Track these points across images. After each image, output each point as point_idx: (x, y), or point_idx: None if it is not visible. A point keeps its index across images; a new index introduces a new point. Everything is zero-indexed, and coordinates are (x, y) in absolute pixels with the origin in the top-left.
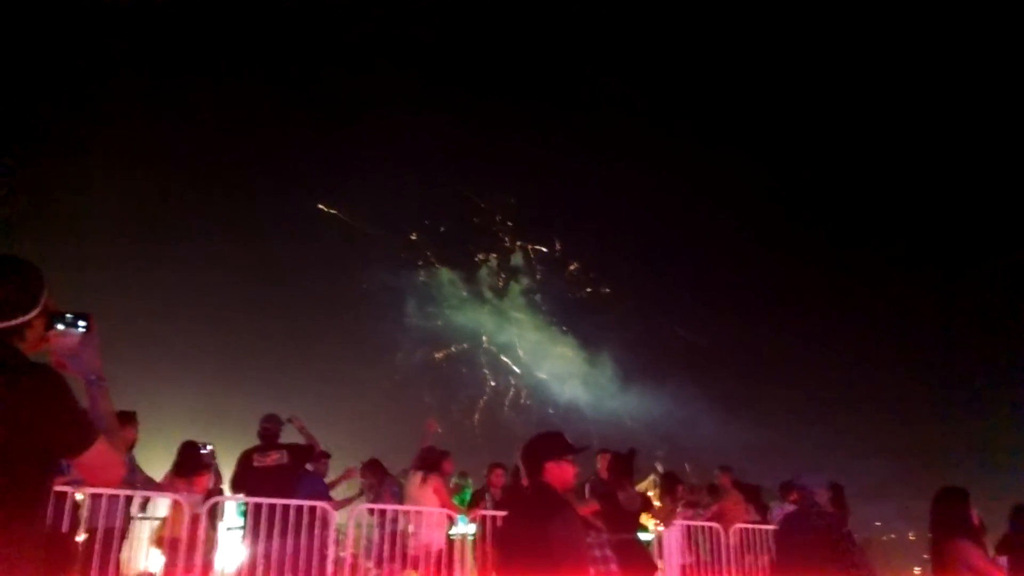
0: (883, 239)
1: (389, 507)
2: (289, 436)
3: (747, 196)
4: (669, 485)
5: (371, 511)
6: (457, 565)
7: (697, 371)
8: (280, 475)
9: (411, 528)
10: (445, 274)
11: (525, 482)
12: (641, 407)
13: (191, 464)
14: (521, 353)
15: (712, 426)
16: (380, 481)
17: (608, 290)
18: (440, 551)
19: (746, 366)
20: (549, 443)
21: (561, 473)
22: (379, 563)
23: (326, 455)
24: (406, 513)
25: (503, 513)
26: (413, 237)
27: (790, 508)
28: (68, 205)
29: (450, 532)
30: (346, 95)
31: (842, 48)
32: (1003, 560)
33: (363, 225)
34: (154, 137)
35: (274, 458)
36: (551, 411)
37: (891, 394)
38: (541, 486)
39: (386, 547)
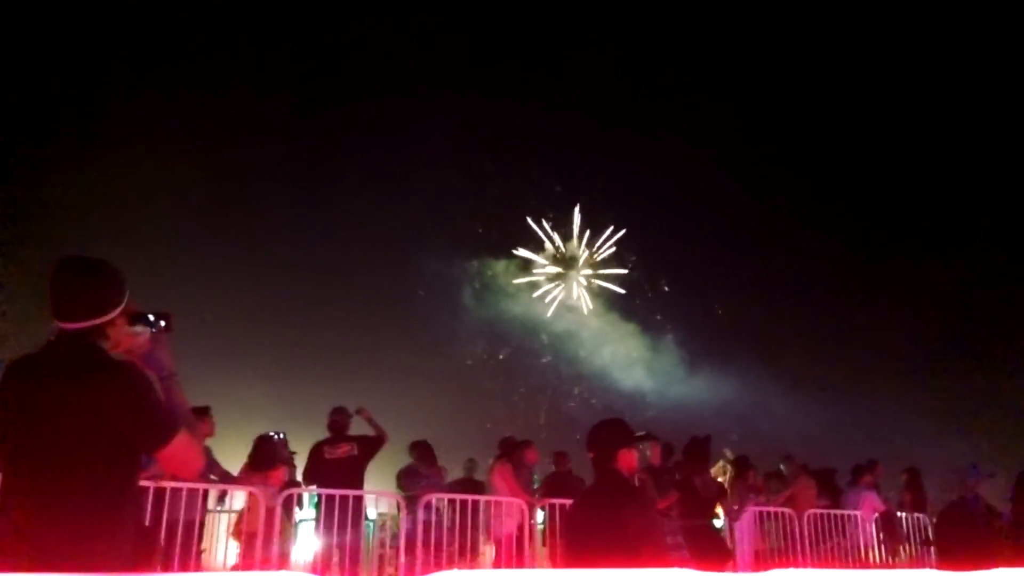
0: (951, 219)
1: (453, 496)
2: (358, 428)
3: (802, 182)
4: (740, 470)
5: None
6: (527, 553)
7: (763, 352)
8: (350, 466)
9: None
10: (502, 265)
11: (567, 467)
12: (709, 391)
13: (267, 458)
14: (583, 341)
15: (783, 407)
16: (429, 466)
17: (666, 276)
18: (511, 537)
19: (815, 345)
20: (619, 430)
21: (630, 460)
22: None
23: None
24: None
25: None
26: (473, 227)
27: (866, 493)
28: (134, 200)
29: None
30: (394, 82)
31: (872, 35)
32: None
33: (420, 215)
34: (213, 131)
35: (344, 450)
36: (615, 399)
37: (971, 374)
38: (612, 473)
39: (448, 535)
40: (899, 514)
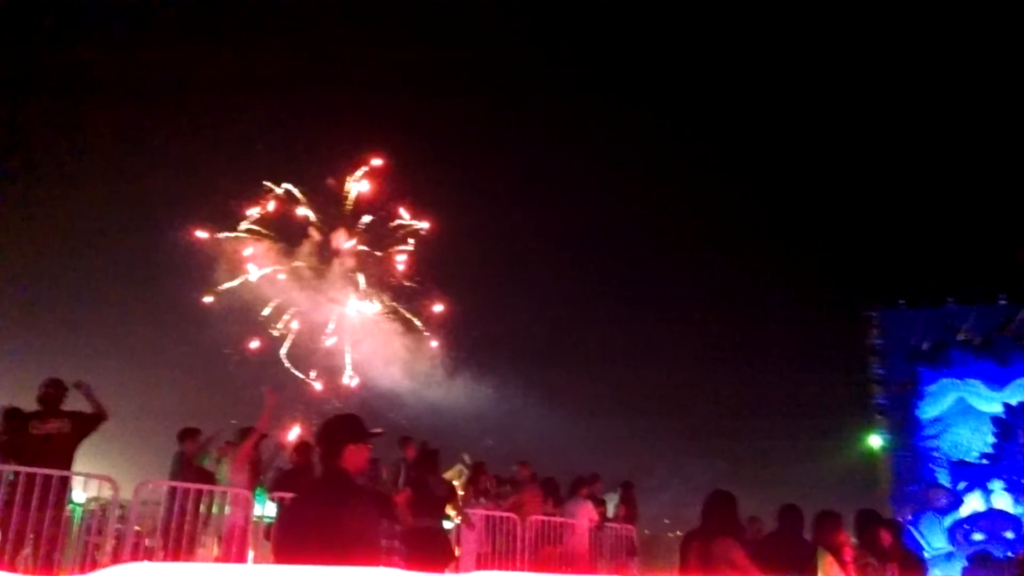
0: (729, 239)
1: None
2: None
3: (574, 190)
4: (475, 475)
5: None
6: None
7: (523, 365)
8: (59, 444)
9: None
10: (264, 247)
11: (309, 462)
12: (467, 398)
13: None
14: (344, 336)
15: (538, 418)
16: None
17: (433, 276)
18: (234, 529)
19: (574, 363)
20: (349, 426)
21: (358, 457)
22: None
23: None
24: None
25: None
26: (231, 204)
27: (583, 503)
28: None
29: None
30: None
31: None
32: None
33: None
34: None
35: (54, 426)
36: (370, 396)
37: (721, 395)
38: (336, 470)
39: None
40: (612, 525)
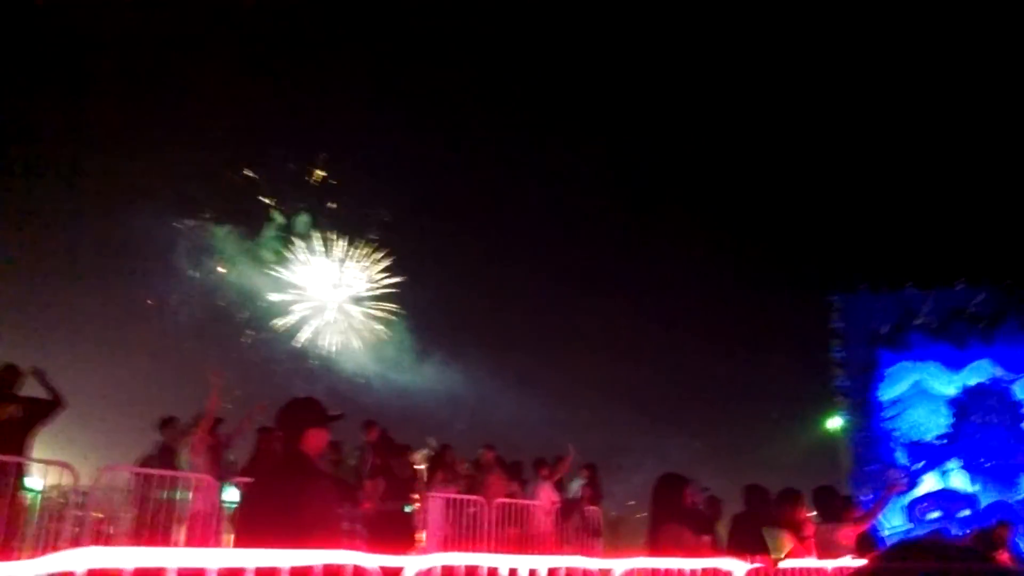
0: (692, 222)
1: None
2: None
3: (550, 172)
4: (441, 458)
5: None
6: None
7: (495, 348)
8: (12, 430)
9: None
10: (222, 231)
11: (272, 446)
12: (438, 381)
13: None
14: (306, 319)
15: (511, 402)
16: None
17: (400, 259)
18: (198, 514)
19: (546, 346)
20: (310, 409)
21: (318, 440)
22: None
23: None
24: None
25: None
26: (195, 189)
27: (544, 485)
28: None
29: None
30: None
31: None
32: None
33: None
34: None
35: (8, 411)
36: (336, 381)
37: (691, 379)
38: (296, 453)
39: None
40: (577, 507)
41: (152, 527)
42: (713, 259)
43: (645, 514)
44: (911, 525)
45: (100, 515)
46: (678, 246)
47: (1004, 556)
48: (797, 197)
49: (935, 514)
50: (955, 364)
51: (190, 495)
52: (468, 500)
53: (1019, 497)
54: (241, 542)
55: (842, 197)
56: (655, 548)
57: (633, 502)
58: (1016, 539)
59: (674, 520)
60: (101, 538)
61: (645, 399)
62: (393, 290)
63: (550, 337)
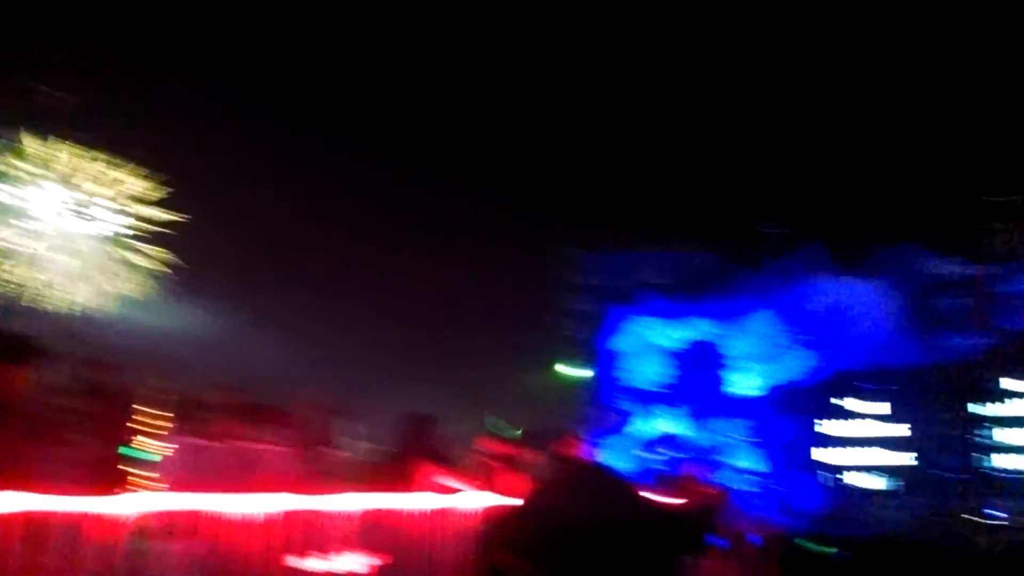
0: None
1: None
2: None
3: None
4: (170, 403)
5: None
6: None
7: (235, 284)
8: None
9: None
10: None
11: None
12: (178, 319)
13: None
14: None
15: (250, 343)
16: None
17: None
18: None
19: (290, 284)
20: None
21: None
22: None
23: None
24: None
25: None
26: None
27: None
28: None
29: None
30: None
31: None
32: None
33: None
34: None
35: None
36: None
37: (434, 325)
38: None
39: None
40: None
41: None
42: (462, 216)
43: (389, 455)
44: (632, 467)
45: None
46: (432, 202)
47: (699, 487)
48: (545, 155)
49: (654, 457)
50: (676, 319)
51: None
52: (202, 445)
53: (719, 440)
54: None
55: (578, 161)
56: (405, 485)
57: (375, 444)
58: (706, 475)
59: (420, 456)
60: None
61: (390, 342)
62: (132, 221)
63: (291, 275)
